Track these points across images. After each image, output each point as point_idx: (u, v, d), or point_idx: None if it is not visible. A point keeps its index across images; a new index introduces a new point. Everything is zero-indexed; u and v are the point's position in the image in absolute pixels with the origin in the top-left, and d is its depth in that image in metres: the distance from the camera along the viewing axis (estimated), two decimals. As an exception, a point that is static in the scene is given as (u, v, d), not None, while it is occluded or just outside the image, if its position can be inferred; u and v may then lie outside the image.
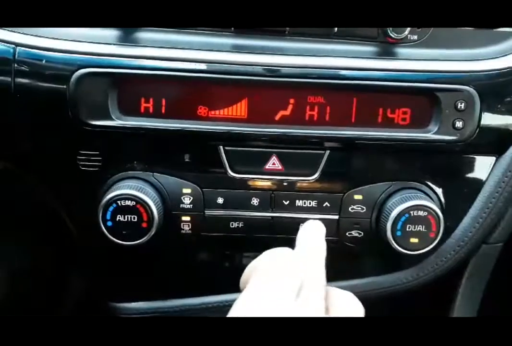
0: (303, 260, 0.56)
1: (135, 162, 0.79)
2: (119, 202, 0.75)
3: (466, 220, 0.84)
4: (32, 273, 1.21)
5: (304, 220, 0.80)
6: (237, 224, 0.81)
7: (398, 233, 0.78)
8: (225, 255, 0.90)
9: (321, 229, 0.64)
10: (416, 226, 0.77)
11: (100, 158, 0.79)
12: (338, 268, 0.71)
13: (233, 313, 0.49)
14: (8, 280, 1.15)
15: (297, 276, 0.52)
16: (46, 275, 1.24)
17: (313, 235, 0.62)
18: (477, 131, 0.77)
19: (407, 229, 0.77)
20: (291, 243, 0.62)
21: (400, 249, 0.78)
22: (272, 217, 0.81)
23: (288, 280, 0.51)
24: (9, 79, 0.73)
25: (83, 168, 0.79)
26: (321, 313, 0.49)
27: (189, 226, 0.81)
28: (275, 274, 0.52)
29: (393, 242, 0.78)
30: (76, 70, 0.72)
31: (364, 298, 0.58)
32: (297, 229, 0.64)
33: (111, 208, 0.75)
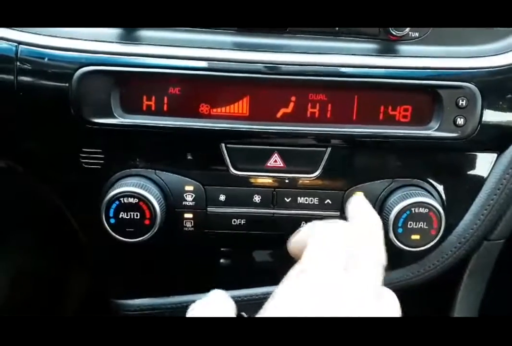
0: (359, 233, 0.54)
1: (137, 159, 0.79)
2: (121, 199, 0.75)
3: (468, 217, 0.84)
4: (35, 273, 1.21)
5: (305, 217, 0.81)
6: (239, 221, 0.81)
7: (400, 230, 0.78)
8: (227, 252, 0.90)
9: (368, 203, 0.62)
10: (418, 223, 0.77)
11: (102, 156, 0.79)
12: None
13: (287, 283, 0.49)
14: (11, 280, 1.16)
15: (346, 250, 0.50)
16: (49, 275, 1.25)
17: (366, 208, 0.60)
18: (478, 128, 0.77)
19: (409, 226, 0.77)
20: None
21: (401, 246, 0.78)
22: (274, 214, 0.81)
23: (337, 253, 0.50)
24: (11, 77, 0.74)
25: (86, 166, 0.79)
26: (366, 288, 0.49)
27: (191, 223, 0.81)
28: (326, 248, 0.50)
29: (394, 239, 0.78)
30: (79, 68, 0.73)
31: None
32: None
33: (114, 206, 0.75)
